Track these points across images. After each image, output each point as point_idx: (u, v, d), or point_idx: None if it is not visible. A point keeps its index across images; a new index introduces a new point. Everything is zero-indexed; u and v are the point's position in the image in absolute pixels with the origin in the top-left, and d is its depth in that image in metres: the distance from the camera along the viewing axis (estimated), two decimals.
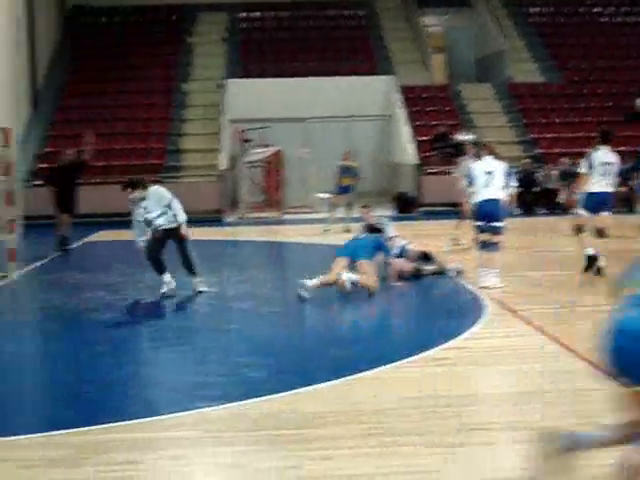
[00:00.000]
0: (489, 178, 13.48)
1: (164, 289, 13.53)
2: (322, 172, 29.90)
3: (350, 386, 8.30)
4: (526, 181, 25.75)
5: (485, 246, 13.56)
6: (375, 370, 8.77)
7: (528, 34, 35.72)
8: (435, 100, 32.16)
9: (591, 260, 14.03)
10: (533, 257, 17.06)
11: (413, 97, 31.86)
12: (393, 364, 9.01)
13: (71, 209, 20.01)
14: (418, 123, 30.56)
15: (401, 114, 30.34)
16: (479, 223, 13.68)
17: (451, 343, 9.85)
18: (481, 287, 13.30)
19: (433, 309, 12.47)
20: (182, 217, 13.85)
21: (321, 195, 28.13)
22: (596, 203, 14.13)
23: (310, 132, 31.33)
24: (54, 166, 21.34)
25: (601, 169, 14.15)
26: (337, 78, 32.02)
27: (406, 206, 27.46)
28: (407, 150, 28.89)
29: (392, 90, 31.48)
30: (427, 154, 28.72)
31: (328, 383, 8.37)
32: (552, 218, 24.83)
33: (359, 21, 37.37)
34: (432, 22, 36.19)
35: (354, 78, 32.06)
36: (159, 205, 13.77)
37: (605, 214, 14.29)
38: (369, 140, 32.03)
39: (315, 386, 8.28)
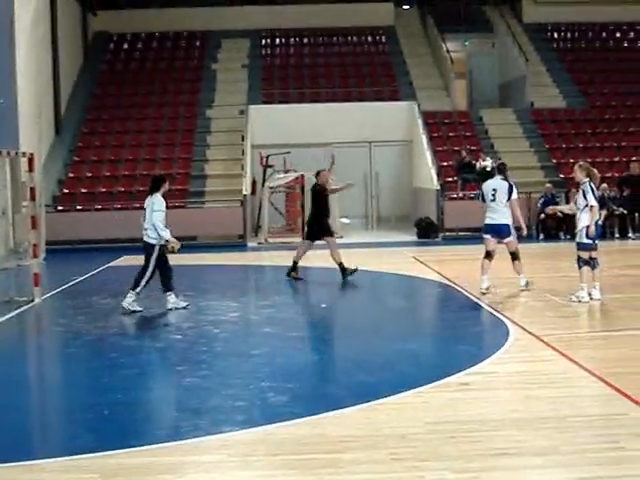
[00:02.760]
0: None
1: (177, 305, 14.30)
2: (344, 197, 29.98)
3: (374, 411, 8.29)
4: (548, 206, 25.67)
5: None
6: (399, 395, 8.76)
7: (550, 59, 35.75)
8: (457, 125, 32.20)
9: None
10: (554, 282, 16.99)
11: (435, 122, 31.93)
12: (417, 389, 8.99)
13: None
14: (439, 148, 30.60)
15: (423, 139, 30.38)
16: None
17: (475, 368, 9.82)
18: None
19: (457, 333, 12.43)
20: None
21: (343, 220, 28.18)
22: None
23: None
24: None
25: None
26: (359, 103, 32.18)
27: (427, 231, 27.45)
28: (428, 175, 28.91)
29: (414, 115, 31.55)
30: (448, 179, 28.77)
31: (352, 408, 8.36)
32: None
33: (381, 47, 37.53)
34: (454, 48, 36.25)
35: (376, 103, 32.19)
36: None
37: None
38: (391, 165, 32.08)
39: (339, 411, 8.28)
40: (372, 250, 24.31)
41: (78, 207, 28.03)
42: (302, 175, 28.64)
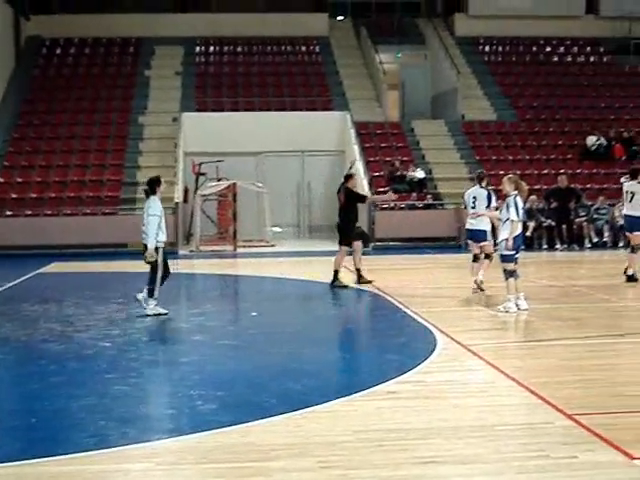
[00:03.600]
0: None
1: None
2: (275, 206, 30.03)
3: (304, 419, 8.32)
4: None
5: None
6: (329, 403, 8.80)
7: (481, 72, 36.18)
8: (388, 136, 32.41)
9: None
10: (485, 292, 17.16)
11: (367, 133, 32.10)
12: (346, 397, 9.04)
13: None
14: (371, 159, 30.77)
15: (355, 149, 30.51)
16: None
17: (403, 377, 9.90)
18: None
19: (386, 342, 12.52)
20: None
21: (274, 228, 28.24)
22: None
23: (265, 166, 31.44)
24: None
25: None
26: (292, 113, 32.23)
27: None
28: (360, 185, 29.01)
29: (346, 126, 31.68)
30: (380, 189, 28.92)
31: (282, 416, 8.38)
32: None
33: (315, 57, 37.65)
34: (387, 59, 36.49)
35: (309, 113, 32.28)
36: None
37: None
38: (323, 175, 32.19)
39: (268, 419, 8.30)
40: (304, 259, 24.39)
41: (8, 213, 27.72)
42: (234, 183, 28.63)
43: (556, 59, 37.94)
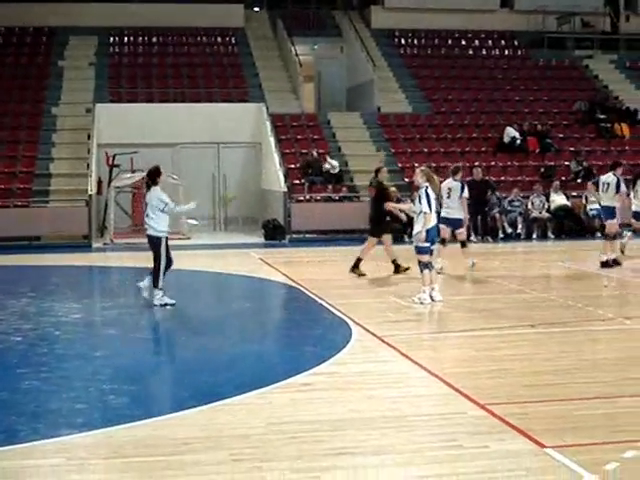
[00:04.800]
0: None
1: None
2: (192, 198, 29.81)
3: (217, 412, 8.29)
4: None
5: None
6: (243, 396, 8.78)
7: (396, 65, 36.31)
8: (305, 128, 32.39)
9: None
10: (398, 283, 17.26)
11: (283, 125, 32.03)
12: (260, 390, 9.03)
13: None
14: (287, 151, 30.74)
15: (271, 141, 30.45)
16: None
17: (318, 368, 9.92)
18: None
19: (301, 334, 12.53)
20: None
21: (190, 221, 28.03)
22: None
23: (180, 158, 31.23)
24: None
25: None
26: (208, 104, 32.00)
27: (274, 233, 27.52)
28: (276, 177, 29.01)
29: (262, 117, 31.58)
30: (296, 181, 28.93)
31: (195, 409, 8.34)
32: None
33: (231, 48, 37.45)
34: (303, 51, 36.43)
35: (224, 105, 32.08)
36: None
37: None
38: (239, 167, 32.06)
39: (181, 412, 8.25)
40: (219, 252, 24.28)
41: None
42: None
43: (471, 52, 38.23)
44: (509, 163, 30.82)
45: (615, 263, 18.74)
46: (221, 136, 31.26)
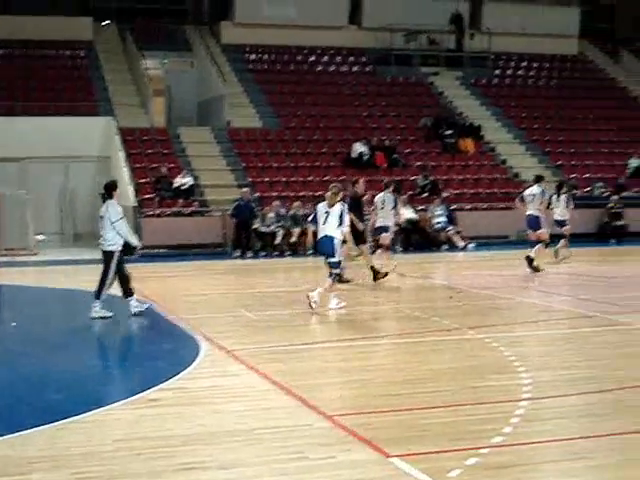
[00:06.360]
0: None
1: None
2: (40, 213, 29.29)
3: (62, 430, 8.16)
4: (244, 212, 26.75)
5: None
6: (87, 413, 8.66)
7: (247, 80, 36.44)
8: (154, 142, 32.16)
9: None
10: (248, 297, 17.32)
11: (133, 139, 31.75)
12: (107, 407, 8.94)
13: None
14: (137, 165, 30.46)
15: (120, 156, 30.14)
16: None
17: (165, 384, 9.87)
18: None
19: (150, 350, 12.46)
20: None
21: (38, 237, 27.54)
22: None
23: (27, 172, 30.63)
24: None
25: None
26: (55, 118, 31.45)
27: (125, 248, 27.13)
28: (126, 192, 28.71)
29: (112, 131, 31.25)
30: (146, 196, 28.71)
31: (39, 428, 8.19)
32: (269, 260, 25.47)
33: (80, 61, 36.91)
34: (153, 65, 36.21)
35: (73, 118, 31.58)
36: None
37: None
38: (88, 181, 31.59)
39: (25, 431, 8.09)
40: (69, 267, 23.90)
41: None
42: None
43: (320, 68, 38.65)
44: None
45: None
46: (70, 150, 30.79)
